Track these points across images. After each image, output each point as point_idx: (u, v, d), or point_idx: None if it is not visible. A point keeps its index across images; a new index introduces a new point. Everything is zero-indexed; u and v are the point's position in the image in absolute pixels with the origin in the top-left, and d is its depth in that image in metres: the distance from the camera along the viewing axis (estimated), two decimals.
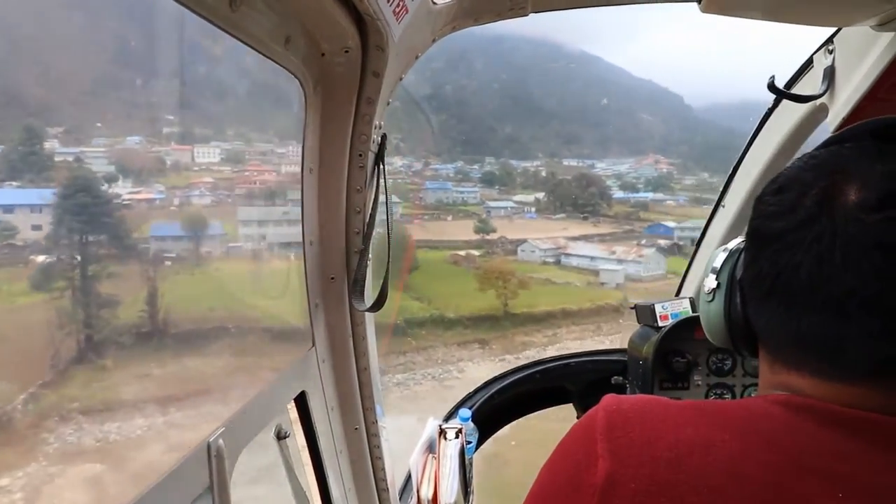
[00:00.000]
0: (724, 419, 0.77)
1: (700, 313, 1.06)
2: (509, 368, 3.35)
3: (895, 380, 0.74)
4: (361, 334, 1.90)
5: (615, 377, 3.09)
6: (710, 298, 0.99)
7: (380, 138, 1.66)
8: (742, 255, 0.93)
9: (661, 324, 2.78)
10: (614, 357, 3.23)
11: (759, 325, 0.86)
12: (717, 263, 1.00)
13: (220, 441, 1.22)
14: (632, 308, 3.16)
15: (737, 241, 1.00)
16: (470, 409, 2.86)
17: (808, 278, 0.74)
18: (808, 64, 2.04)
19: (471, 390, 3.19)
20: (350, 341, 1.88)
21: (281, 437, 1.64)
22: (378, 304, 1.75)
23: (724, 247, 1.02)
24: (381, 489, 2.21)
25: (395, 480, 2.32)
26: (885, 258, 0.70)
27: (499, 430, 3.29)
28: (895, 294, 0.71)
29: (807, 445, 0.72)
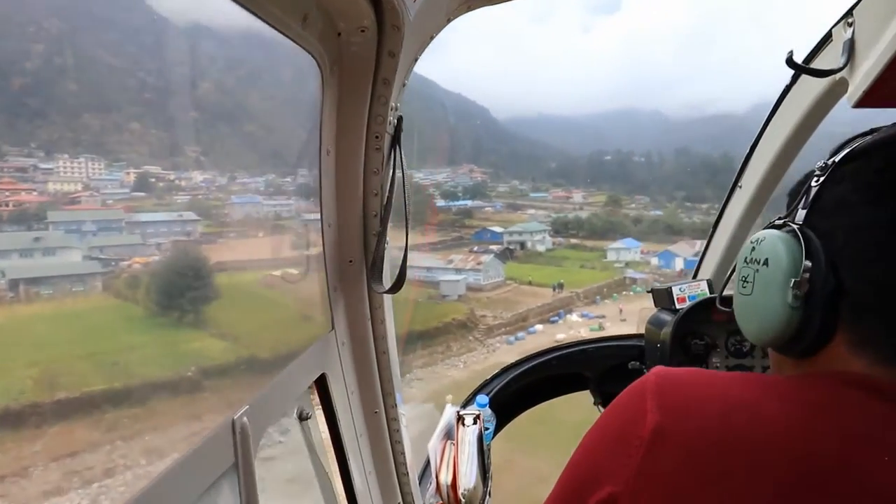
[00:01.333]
0: (772, 387, 0.78)
1: (763, 314, 0.88)
2: (526, 355, 3.35)
3: None
4: (380, 318, 1.91)
5: (632, 362, 3.08)
6: (796, 305, 0.83)
7: (396, 120, 1.66)
8: (824, 251, 0.82)
9: (678, 306, 2.77)
10: (631, 342, 3.22)
11: (863, 333, 0.79)
12: (805, 264, 0.83)
13: (245, 419, 1.23)
14: (648, 292, 3.15)
15: (790, 232, 0.87)
16: (487, 395, 2.87)
17: None
18: (826, 38, 2.00)
19: (488, 377, 3.19)
20: (369, 325, 1.89)
21: (303, 418, 1.65)
22: (397, 286, 1.76)
23: (787, 238, 0.86)
24: (401, 473, 2.22)
25: (414, 465, 2.33)
26: None
27: (516, 416, 3.29)
28: None
29: (854, 414, 0.73)
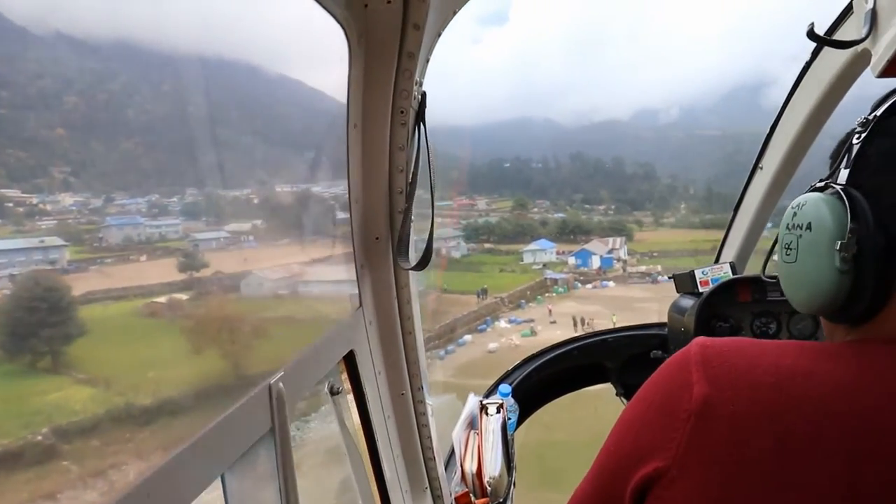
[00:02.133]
0: (827, 354, 0.75)
1: (814, 280, 0.84)
2: (545, 346, 3.32)
3: None
4: (406, 298, 1.91)
5: (654, 351, 3.05)
6: (845, 268, 0.78)
7: (420, 96, 1.67)
8: (871, 211, 0.78)
9: (701, 290, 2.74)
10: (653, 331, 3.19)
11: None
12: (845, 222, 0.79)
13: (280, 384, 1.24)
14: (670, 278, 3.12)
15: (837, 188, 0.83)
16: (510, 385, 2.85)
17: None
18: (847, 10, 1.99)
19: (508, 368, 3.17)
20: (395, 304, 1.89)
21: (334, 392, 1.65)
22: (423, 263, 1.76)
23: (830, 199, 0.83)
24: (428, 458, 2.21)
25: (440, 451, 2.31)
26: None
27: (539, 408, 3.26)
28: None
29: None
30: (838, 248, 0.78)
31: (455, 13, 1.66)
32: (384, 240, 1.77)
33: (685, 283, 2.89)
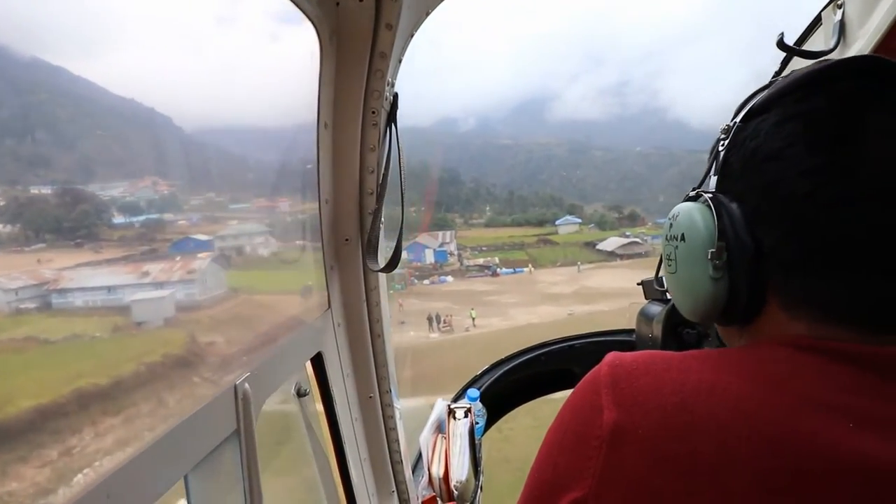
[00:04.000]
0: (728, 364, 0.75)
1: (691, 290, 0.86)
2: (513, 351, 3.33)
3: None
4: (375, 300, 1.90)
5: None
6: (718, 276, 0.81)
7: (392, 97, 1.67)
8: (739, 217, 0.80)
9: (669, 296, 2.78)
10: (620, 337, 3.22)
11: (804, 292, 0.77)
12: (714, 231, 0.82)
13: (247, 385, 1.22)
14: (638, 284, 3.15)
15: (707, 196, 0.84)
16: (478, 390, 2.85)
17: (870, 240, 0.72)
18: (816, 21, 2.05)
19: (477, 372, 3.17)
20: (364, 307, 1.88)
21: (301, 394, 1.63)
22: (392, 265, 1.76)
23: (702, 209, 0.85)
24: (395, 461, 2.20)
25: (408, 455, 2.30)
26: None
27: (507, 413, 3.27)
28: None
29: (815, 382, 0.70)
30: (710, 256, 0.81)
31: (428, 14, 1.67)
32: (354, 241, 1.76)
33: (652, 289, 2.92)
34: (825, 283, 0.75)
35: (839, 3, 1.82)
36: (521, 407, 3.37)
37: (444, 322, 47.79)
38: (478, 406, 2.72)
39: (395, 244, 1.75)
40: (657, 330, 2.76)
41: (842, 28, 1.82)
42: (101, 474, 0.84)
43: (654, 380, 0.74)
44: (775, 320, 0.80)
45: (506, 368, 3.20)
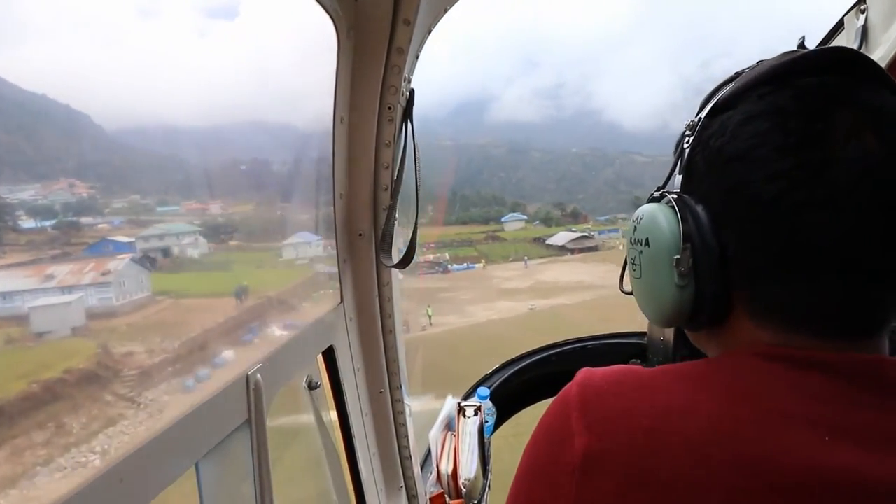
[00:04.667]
0: (699, 381, 0.73)
1: (657, 297, 0.83)
2: (525, 351, 3.33)
3: (880, 334, 0.73)
4: (387, 296, 1.91)
5: (633, 360, 3.06)
6: (683, 283, 0.78)
7: (408, 93, 1.67)
8: (704, 220, 0.77)
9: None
10: (632, 340, 3.21)
11: (769, 299, 0.75)
12: (678, 236, 0.78)
13: (258, 376, 1.23)
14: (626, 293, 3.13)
15: (670, 198, 0.81)
16: (488, 388, 2.85)
17: (834, 246, 0.69)
18: (838, 26, 2.02)
19: (488, 372, 3.17)
20: (376, 302, 1.88)
21: (312, 387, 1.64)
22: (405, 261, 1.76)
23: (666, 211, 0.81)
24: (404, 457, 2.20)
25: (417, 451, 2.31)
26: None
27: (516, 412, 3.27)
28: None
29: (785, 393, 0.68)
30: (674, 263, 0.77)
31: (447, 10, 1.67)
32: (367, 236, 1.77)
33: None
34: (789, 289, 0.72)
35: (862, 7, 1.79)
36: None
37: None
38: (487, 405, 2.72)
39: (409, 240, 1.76)
40: (669, 333, 2.75)
41: (864, 33, 1.79)
42: (114, 458, 0.85)
43: (624, 401, 0.72)
44: (742, 327, 0.78)
45: (516, 368, 3.20)
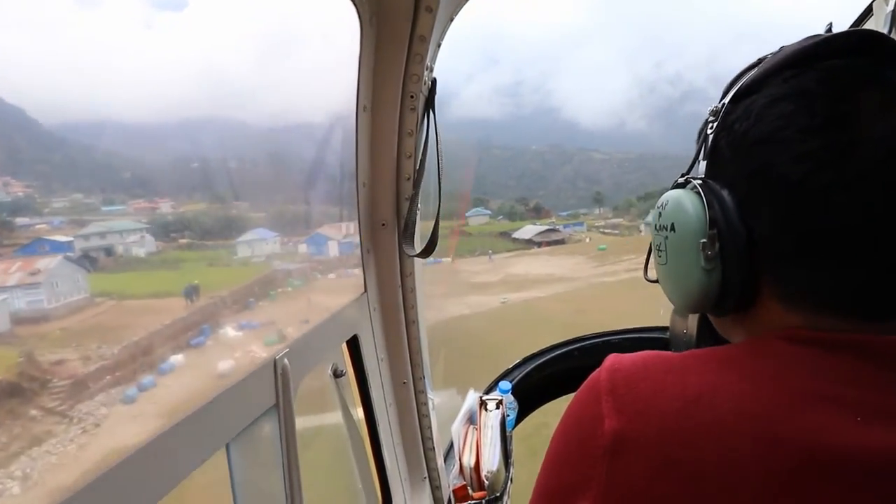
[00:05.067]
0: (728, 363, 0.73)
1: (683, 282, 0.83)
2: (547, 346, 3.31)
3: None
4: (410, 286, 1.92)
5: None
6: (710, 267, 0.77)
7: (430, 81, 1.68)
8: (731, 205, 0.77)
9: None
10: (655, 334, 3.18)
11: (797, 282, 0.74)
12: (704, 220, 0.78)
13: (286, 361, 1.24)
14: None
15: (695, 183, 0.81)
16: (510, 382, 2.85)
17: (863, 227, 0.68)
18: (867, 12, 1.99)
19: (509, 366, 3.17)
20: (399, 292, 1.89)
21: (337, 375, 1.65)
22: (428, 250, 1.77)
23: (692, 197, 0.81)
24: (428, 448, 2.21)
25: (440, 442, 2.31)
26: None
27: (538, 407, 3.26)
28: None
29: (816, 374, 0.68)
30: (701, 247, 0.77)
31: None
32: (391, 226, 1.78)
33: None
34: (817, 272, 0.72)
35: None
36: None
37: None
38: (509, 398, 2.72)
39: (431, 229, 1.76)
40: (692, 325, 2.71)
41: (894, 19, 1.76)
42: (150, 434, 0.87)
43: (653, 384, 0.72)
44: (770, 311, 0.78)
45: (537, 363, 3.19)
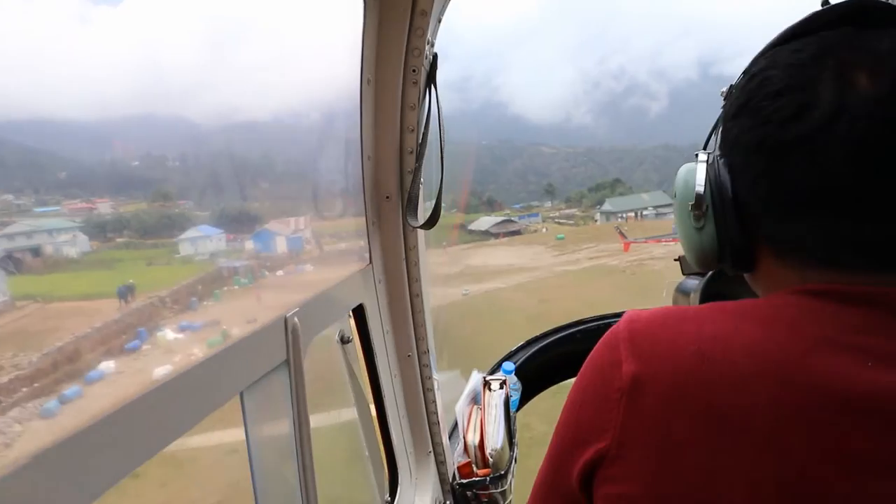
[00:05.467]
0: (743, 313, 0.77)
1: (685, 242, 0.93)
2: (550, 329, 3.33)
3: None
4: (414, 259, 1.95)
5: None
6: (699, 225, 0.89)
7: (432, 57, 1.72)
8: (722, 172, 0.86)
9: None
10: None
11: (779, 238, 0.81)
12: (700, 180, 0.88)
13: (296, 319, 1.28)
14: (676, 260, 3.14)
15: (703, 156, 0.91)
16: (513, 363, 2.88)
17: (851, 183, 0.71)
18: None
19: (512, 348, 3.19)
20: (403, 265, 1.93)
21: (344, 341, 1.70)
22: (431, 222, 1.81)
23: (691, 166, 0.91)
24: (433, 423, 2.24)
25: (444, 419, 2.35)
26: None
27: (542, 390, 3.28)
28: None
29: (829, 323, 0.72)
30: (690, 208, 0.88)
31: None
32: (394, 199, 1.81)
33: (689, 264, 2.90)
34: (791, 229, 0.78)
35: None
36: None
37: None
38: (513, 379, 2.75)
39: (434, 202, 1.80)
40: (695, 303, 2.74)
41: None
42: (172, 372, 0.91)
43: (670, 332, 0.77)
44: (772, 270, 0.85)
45: (541, 345, 3.21)
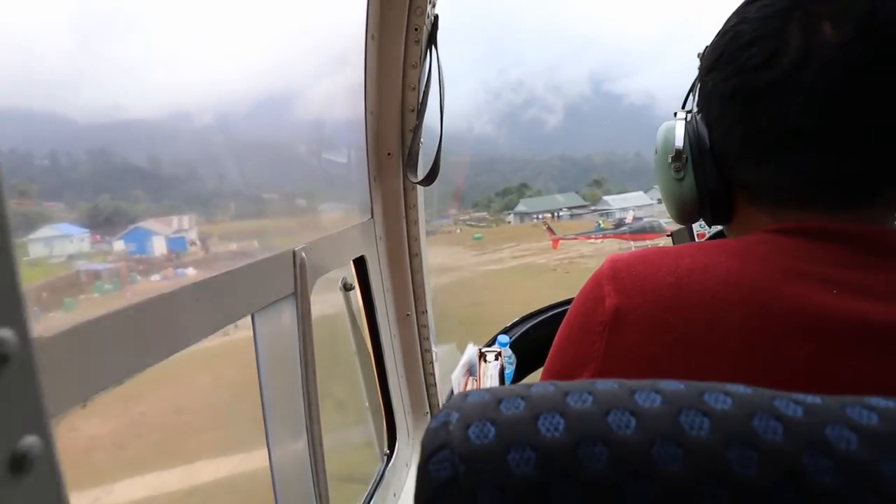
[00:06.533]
0: (720, 248, 0.81)
1: (666, 195, 0.99)
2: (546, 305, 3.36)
3: (887, 205, 0.81)
4: (413, 218, 2.00)
5: None
6: (679, 177, 0.94)
7: (433, 17, 1.77)
8: (700, 126, 0.91)
9: (698, 241, 2.83)
10: None
11: (754, 182, 0.86)
12: (679, 135, 0.93)
13: (304, 254, 1.32)
14: (668, 235, 3.19)
15: (682, 114, 0.96)
16: (508, 337, 2.92)
17: (817, 123, 0.76)
18: None
19: (508, 323, 3.22)
20: (403, 223, 1.97)
21: (347, 288, 1.74)
22: (430, 178, 1.86)
23: (670, 123, 0.96)
24: (430, 384, 2.28)
25: (442, 382, 2.39)
26: (877, 85, 0.74)
27: (536, 369, 3.30)
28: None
29: (800, 257, 0.76)
30: (670, 160, 0.93)
31: None
32: (395, 156, 1.86)
33: (682, 237, 2.96)
34: (765, 172, 0.83)
35: None
36: None
37: None
38: (507, 352, 2.79)
39: (433, 159, 1.85)
40: None
41: None
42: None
43: (650, 266, 0.80)
44: (749, 216, 0.89)
45: (535, 322, 3.24)
